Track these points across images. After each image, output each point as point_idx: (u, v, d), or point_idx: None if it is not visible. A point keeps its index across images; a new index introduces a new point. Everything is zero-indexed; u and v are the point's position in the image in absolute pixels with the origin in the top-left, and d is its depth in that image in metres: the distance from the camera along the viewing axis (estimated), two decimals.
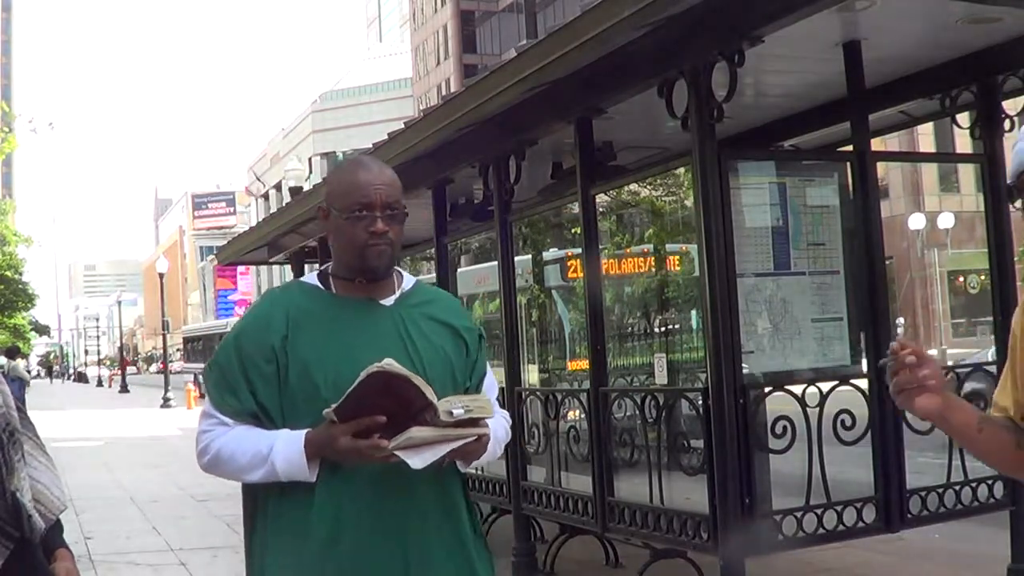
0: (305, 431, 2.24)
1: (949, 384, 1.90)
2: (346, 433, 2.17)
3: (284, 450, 2.23)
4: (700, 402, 4.92)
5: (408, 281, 2.46)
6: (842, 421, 4.96)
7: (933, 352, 31.62)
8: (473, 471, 7.50)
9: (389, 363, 2.16)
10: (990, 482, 5.32)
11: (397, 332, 2.36)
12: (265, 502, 2.32)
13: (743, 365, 4.82)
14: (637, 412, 5.57)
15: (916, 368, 1.81)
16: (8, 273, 43.77)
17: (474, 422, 2.23)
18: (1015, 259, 5.93)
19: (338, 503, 2.24)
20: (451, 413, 2.19)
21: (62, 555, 2.21)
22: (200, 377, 28.95)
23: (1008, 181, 1.86)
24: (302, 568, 2.23)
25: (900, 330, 34.29)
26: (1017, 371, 1.97)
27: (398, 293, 2.42)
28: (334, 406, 2.18)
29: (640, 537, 5.48)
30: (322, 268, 2.47)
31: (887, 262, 8.02)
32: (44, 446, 2.28)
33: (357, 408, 2.16)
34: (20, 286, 46.47)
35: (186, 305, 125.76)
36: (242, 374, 2.30)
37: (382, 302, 2.40)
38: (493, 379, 2.54)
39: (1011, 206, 1.88)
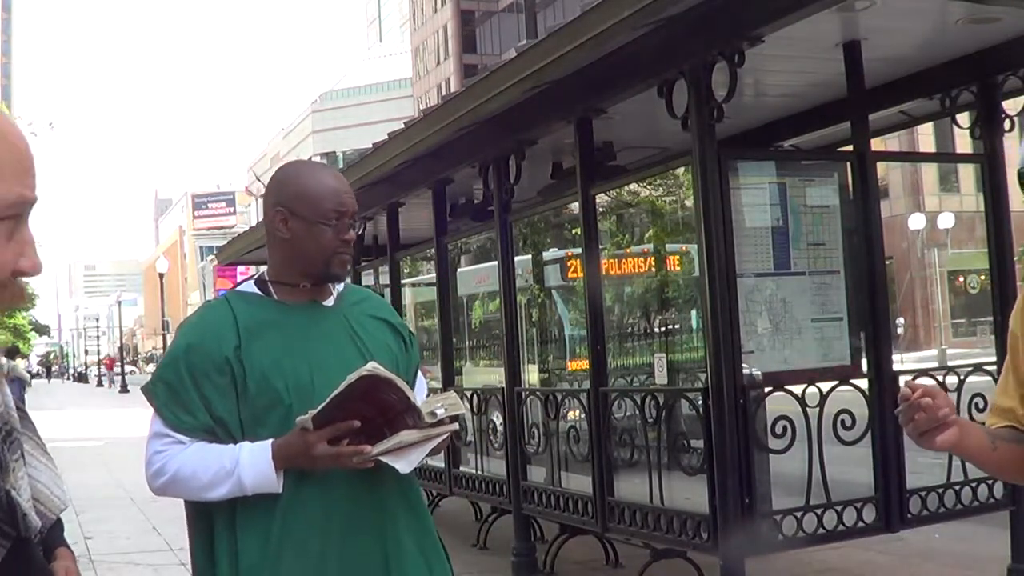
0: (270, 441, 2.20)
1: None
2: (322, 440, 2.14)
3: (251, 463, 2.18)
4: (700, 402, 4.92)
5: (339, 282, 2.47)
6: (842, 421, 4.96)
7: (932, 352, 31.63)
8: (473, 471, 7.52)
9: (375, 367, 2.14)
10: (990, 482, 5.32)
11: (346, 332, 2.36)
12: (228, 505, 2.23)
13: (743, 365, 4.82)
14: (637, 412, 5.57)
15: (933, 408, 1.78)
16: None
17: (451, 419, 2.25)
18: (1015, 259, 5.93)
19: (314, 505, 2.22)
20: (434, 414, 2.19)
21: (62, 554, 2.21)
22: None
23: (1018, 167, 1.83)
24: (285, 570, 2.19)
25: (900, 330, 34.28)
26: (1020, 370, 1.94)
27: (335, 294, 2.42)
28: (313, 412, 2.13)
29: (640, 537, 5.48)
30: (258, 276, 2.42)
31: (887, 262, 8.04)
32: (44, 445, 2.28)
33: (334, 414, 2.14)
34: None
35: (186, 305, 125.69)
36: (195, 389, 2.24)
37: (324, 304, 2.39)
38: (420, 373, 2.58)
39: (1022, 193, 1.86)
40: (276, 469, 2.18)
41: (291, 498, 2.21)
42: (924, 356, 30.63)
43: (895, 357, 5.31)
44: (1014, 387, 1.96)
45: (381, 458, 2.17)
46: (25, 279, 1.74)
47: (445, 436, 2.24)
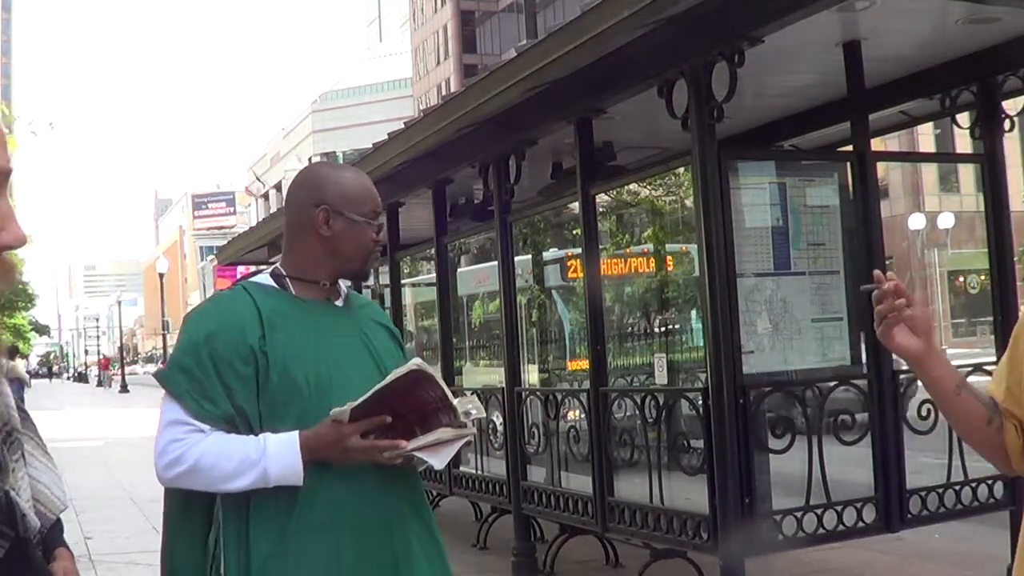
0: (297, 433, 2.19)
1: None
2: (355, 433, 2.16)
3: (279, 453, 2.17)
4: (700, 402, 4.92)
5: (344, 285, 2.49)
6: (842, 421, 4.96)
7: None
8: (473, 471, 7.52)
9: (421, 363, 2.19)
10: (990, 482, 5.32)
11: (358, 333, 2.39)
12: (238, 500, 2.22)
13: (743, 365, 4.82)
14: (637, 412, 5.56)
15: (895, 295, 1.79)
16: None
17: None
18: (1015, 259, 5.93)
19: (329, 502, 2.22)
20: (468, 414, 2.25)
21: (61, 554, 2.21)
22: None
23: None
24: (295, 561, 2.19)
25: None
26: (1017, 364, 1.94)
27: (343, 296, 2.46)
28: (352, 404, 2.14)
29: (640, 537, 5.48)
30: (273, 269, 2.43)
31: (887, 262, 8.03)
32: (45, 446, 2.28)
33: (372, 408, 2.16)
34: (20, 286, 46.49)
35: (186, 305, 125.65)
36: (218, 378, 2.22)
37: (336, 304, 2.43)
38: None
39: None
40: (303, 460, 2.19)
41: (307, 493, 2.21)
42: None
43: (895, 357, 5.30)
44: (1007, 374, 1.96)
45: (416, 454, 2.20)
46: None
47: (470, 437, 2.30)
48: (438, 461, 2.23)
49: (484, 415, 2.38)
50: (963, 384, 1.93)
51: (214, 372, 2.23)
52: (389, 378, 2.14)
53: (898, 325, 1.82)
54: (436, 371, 2.27)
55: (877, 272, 1.82)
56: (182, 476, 2.23)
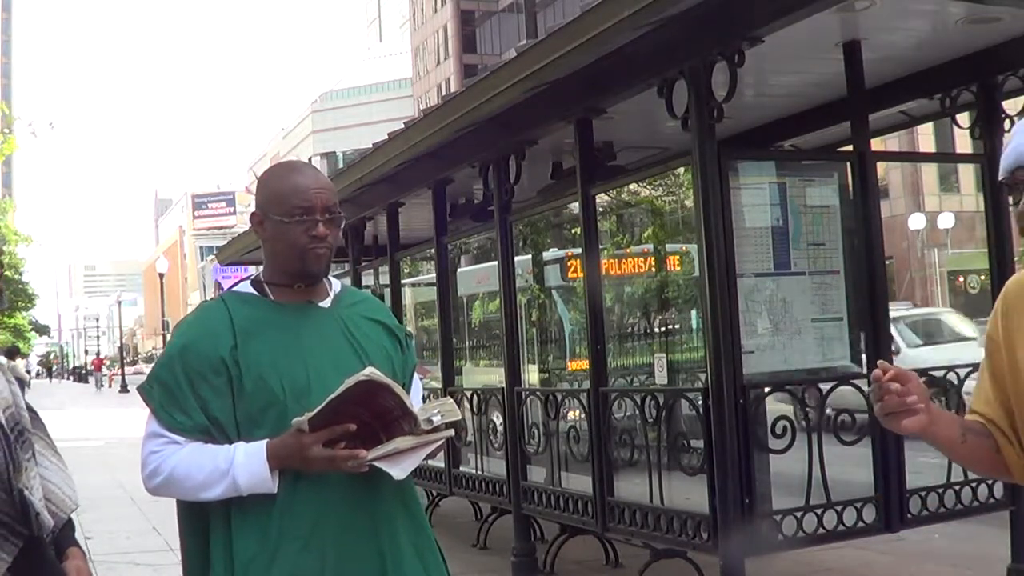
0: (265, 442, 2.20)
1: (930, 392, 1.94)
2: (317, 442, 2.15)
3: (246, 463, 2.18)
4: (700, 402, 4.92)
5: (336, 284, 2.47)
6: (842, 421, 4.96)
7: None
8: (473, 471, 7.51)
9: (372, 372, 2.15)
10: (990, 482, 5.31)
11: (342, 333, 2.37)
12: (223, 505, 2.24)
13: (743, 365, 4.82)
14: (637, 412, 5.57)
15: (902, 393, 1.84)
16: (8, 273, 43.69)
17: (447, 426, 2.24)
18: (1015, 259, 5.93)
19: (310, 505, 2.22)
20: (431, 421, 2.20)
21: (73, 554, 2.22)
22: None
23: (1000, 178, 1.88)
24: (278, 563, 2.19)
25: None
26: (1000, 376, 1.99)
27: (332, 295, 2.43)
28: (309, 414, 2.14)
29: (640, 537, 5.48)
30: (254, 277, 2.44)
31: (887, 262, 8.05)
32: (55, 446, 2.29)
33: (331, 417, 2.14)
34: (20, 286, 46.49)
35: (186, 305, 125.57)
36: (190, 389, 2.24)
37: (320, 304, 2.40)
38: (416, 375, 2.58)
39: (1009, 203, 1.88)
40: (271, 470, 2.19)
41: (288, 498, 2.21)
42: None
43: (895, 357, 5.31)
44: (992, 391, 2.01)
45: (376, 463, 2.17)
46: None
47: (440, 442, 2.25)
48: (398, 471, 2.19)
49: (457, 418, 2.31)
50: (966, 430, 1.99)
51: (187, 384, 2.24)
52: (340, 388, 2.12)
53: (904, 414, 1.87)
54: (391, 379, 2.20)
55: (877, 371, 1.86)
56: (162, 486, 2.27)
